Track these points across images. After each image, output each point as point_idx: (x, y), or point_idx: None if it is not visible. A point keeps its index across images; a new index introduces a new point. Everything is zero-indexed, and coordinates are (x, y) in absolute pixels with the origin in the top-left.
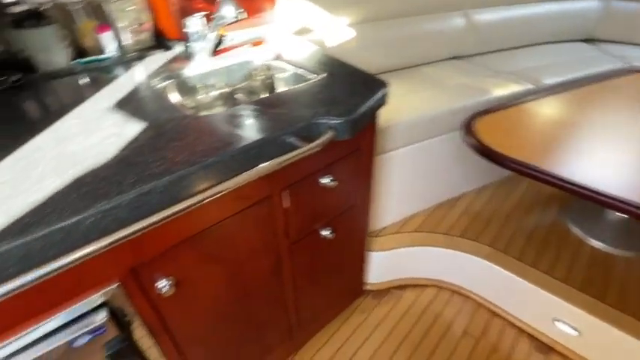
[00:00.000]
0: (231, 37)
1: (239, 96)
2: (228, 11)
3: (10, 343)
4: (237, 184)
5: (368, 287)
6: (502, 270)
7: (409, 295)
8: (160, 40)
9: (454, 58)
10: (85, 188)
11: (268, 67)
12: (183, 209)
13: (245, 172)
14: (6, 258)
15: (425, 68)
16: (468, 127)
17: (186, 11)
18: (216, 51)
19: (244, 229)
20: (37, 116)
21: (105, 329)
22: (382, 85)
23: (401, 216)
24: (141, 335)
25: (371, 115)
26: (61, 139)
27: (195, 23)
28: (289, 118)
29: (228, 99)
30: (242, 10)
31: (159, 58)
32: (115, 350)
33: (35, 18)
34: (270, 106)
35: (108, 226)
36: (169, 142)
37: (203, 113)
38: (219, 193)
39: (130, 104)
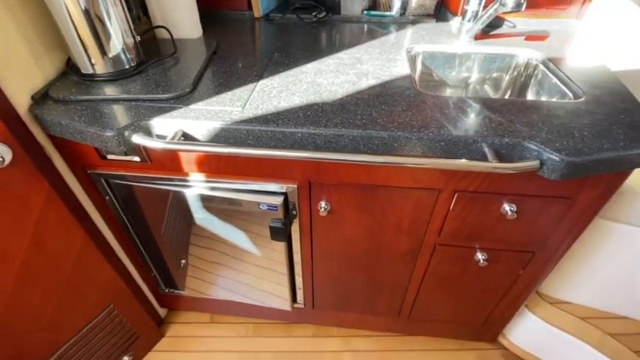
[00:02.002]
0: (513, 23)
1: (477, 87)
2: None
3: (232, 183)
4: (412, 164)
5: (503, 342)
6: None
7: None
8: (441, 10)
9: None
10: (309, 112)
11: (529, 68)
12: (358, 161)
13: (424, 159)
14: (250, 135)
15: None
16: None
17: None
18: (482, 34)
19: (404, 204)
20: (318, 49)
21: (276, 209)
22: None
23: (607, 307)
24: (294, 230)
25: (612, 169)
26: (319, 71)
27: (473, 2)
28: (502, 129)
29: (467, 86)
30: (523, 2)
31: (428, 27)
32: (275, 226)
33: None
34: (493, 109)
35: (306, 145)
36: (382, 104)
37: (428, 91)
38: (394, 164)
39: (377, 62)
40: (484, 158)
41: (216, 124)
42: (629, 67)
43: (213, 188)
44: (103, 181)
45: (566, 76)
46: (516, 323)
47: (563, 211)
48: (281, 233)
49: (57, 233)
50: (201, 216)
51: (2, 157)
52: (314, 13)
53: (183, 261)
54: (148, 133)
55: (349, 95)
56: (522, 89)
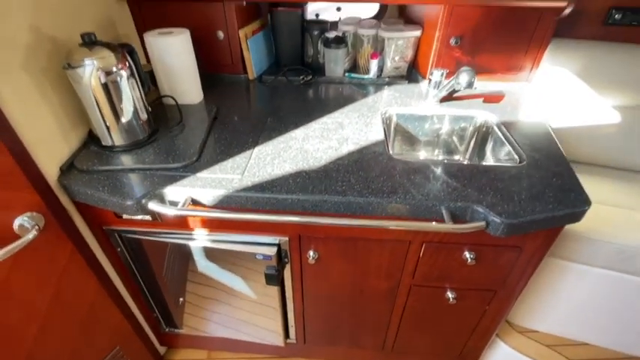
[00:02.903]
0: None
1: (446, 137)
2: (462, 79)
3: (232, 235)
4: (381, 226)
5: None
6: None
7: None
8: (412, 72)
9: None
10: (298, 179)
11: (487, 126)
12: (338, 224)
13: (387, 221)
14: (249, 200)
15: None
16: None
17: (443, 56)
18: (447, 95)
19: (381, 253)
20: (305, 113)
21: (271, 258)
22: (581, 203)
23: (569, 334)
24: (286, 274)
25: (546, 226)
26: (306, 137)
27: (436, 74)
28: (457, 193)
29: (438, 137)
30: (474, 81)
31: (401, 89)
32: (269, 273)
33: (337, 42)
34: (451, 174)
35: (296, 208)
36: (359, 170)
37: (398, 154)
38: (367, 226)
39: (356, 126)
40: (442, 217)
41: (219, 192)
42: (566, 124)
43: (214, 240)
44: (117, 236)
45: (514, 140)
46: (491, 352)
47: (514, 257)
48: (275, 279)
49: (75, 285)
50: (202, 263)
51: (37, 225)
52: (301, 77)
53: (181, 299)
54: (161, 199)
55: (332, 162)
56: (483, 140)
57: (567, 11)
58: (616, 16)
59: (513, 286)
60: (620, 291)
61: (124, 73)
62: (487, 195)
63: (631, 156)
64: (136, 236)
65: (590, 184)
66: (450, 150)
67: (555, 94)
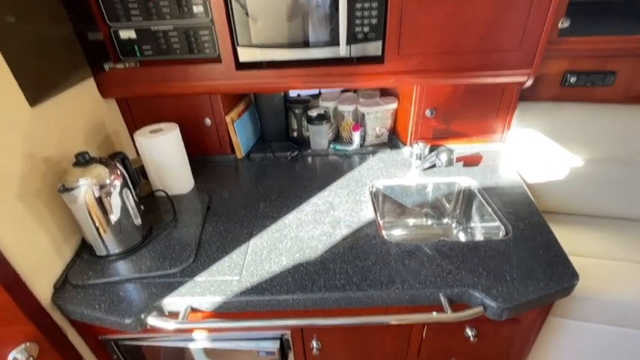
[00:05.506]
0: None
1: (434, 200)
2: (442, 158)
3: (233, 334)
4: (383, 322)
5: None
6: None
7: None
8: (393, 139)
9: None
10: (297, 275)
11: (470, 193)
12: (341, 324)
13: (394, 315)
14: (249, 304)
15: None
16: None
17: (421, 126)
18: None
19: (384, 337)
20: (296, 194)
21: (274, 353)
22: (569, 277)
23: None
24: None
25: (540, 304)
26: (299, 222)
27: (417, 147)
28: (452, 278)
29: (426, 197)
30: (453, 159)
31: (385, 157)
32: None
33: (320, 118)
34: (443, 254)
35: (297, 307)
36: (355, 259)
37: (388, 223)
38: (369, 323)
39: (347, 205)
40: (440, 303)
41: (219, 299)
42: (540, 179)
43: (215, 340)
44: (113, 344)
45: (498, 209)
46: None
47: (514, 330)
48: None
49: None
50: None
51: (32, 356)
52: (289, 152)
53: None
54: (160, 311)
55: (327, 250)
56: (468, 202)
57: (528, 84)
58: (571, 79)
59: (518, 354)
60: (621, 345)
61: (118, 183)
62: (481, 277)
63: (596, 203)
64: (134, 343)
65: (567, 235)
66: (437, 211)
67: (527, 152)
